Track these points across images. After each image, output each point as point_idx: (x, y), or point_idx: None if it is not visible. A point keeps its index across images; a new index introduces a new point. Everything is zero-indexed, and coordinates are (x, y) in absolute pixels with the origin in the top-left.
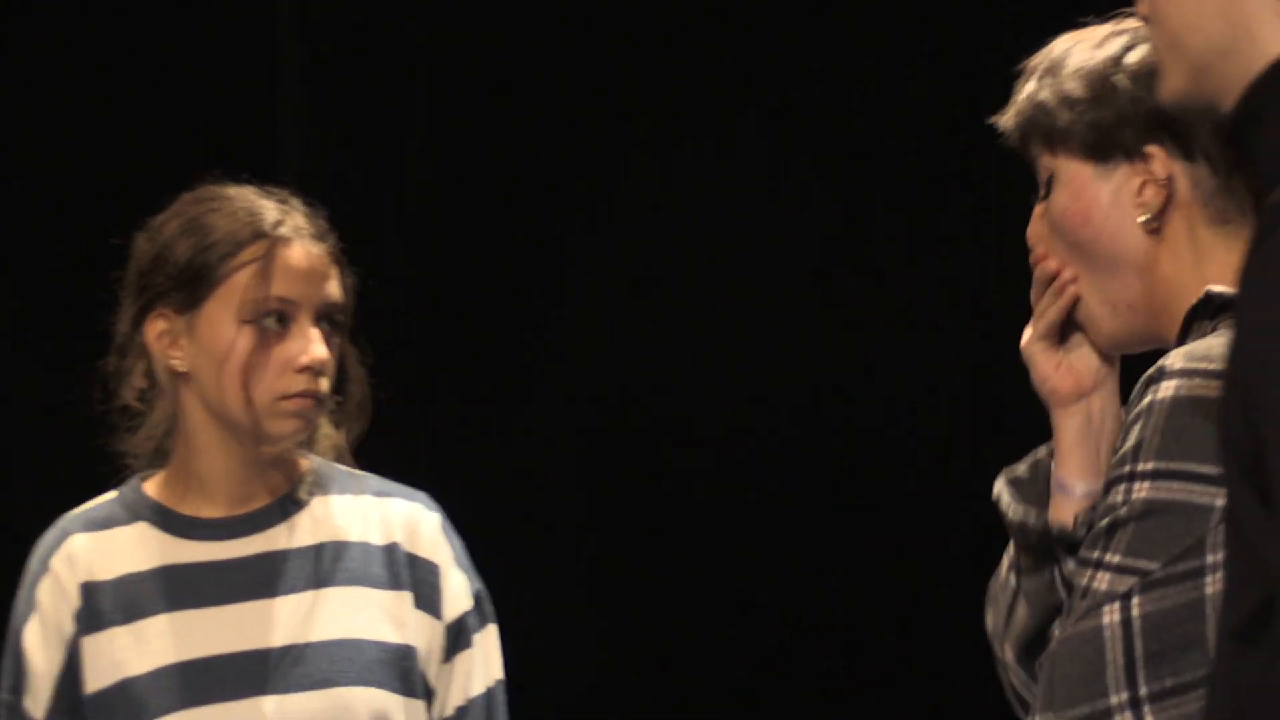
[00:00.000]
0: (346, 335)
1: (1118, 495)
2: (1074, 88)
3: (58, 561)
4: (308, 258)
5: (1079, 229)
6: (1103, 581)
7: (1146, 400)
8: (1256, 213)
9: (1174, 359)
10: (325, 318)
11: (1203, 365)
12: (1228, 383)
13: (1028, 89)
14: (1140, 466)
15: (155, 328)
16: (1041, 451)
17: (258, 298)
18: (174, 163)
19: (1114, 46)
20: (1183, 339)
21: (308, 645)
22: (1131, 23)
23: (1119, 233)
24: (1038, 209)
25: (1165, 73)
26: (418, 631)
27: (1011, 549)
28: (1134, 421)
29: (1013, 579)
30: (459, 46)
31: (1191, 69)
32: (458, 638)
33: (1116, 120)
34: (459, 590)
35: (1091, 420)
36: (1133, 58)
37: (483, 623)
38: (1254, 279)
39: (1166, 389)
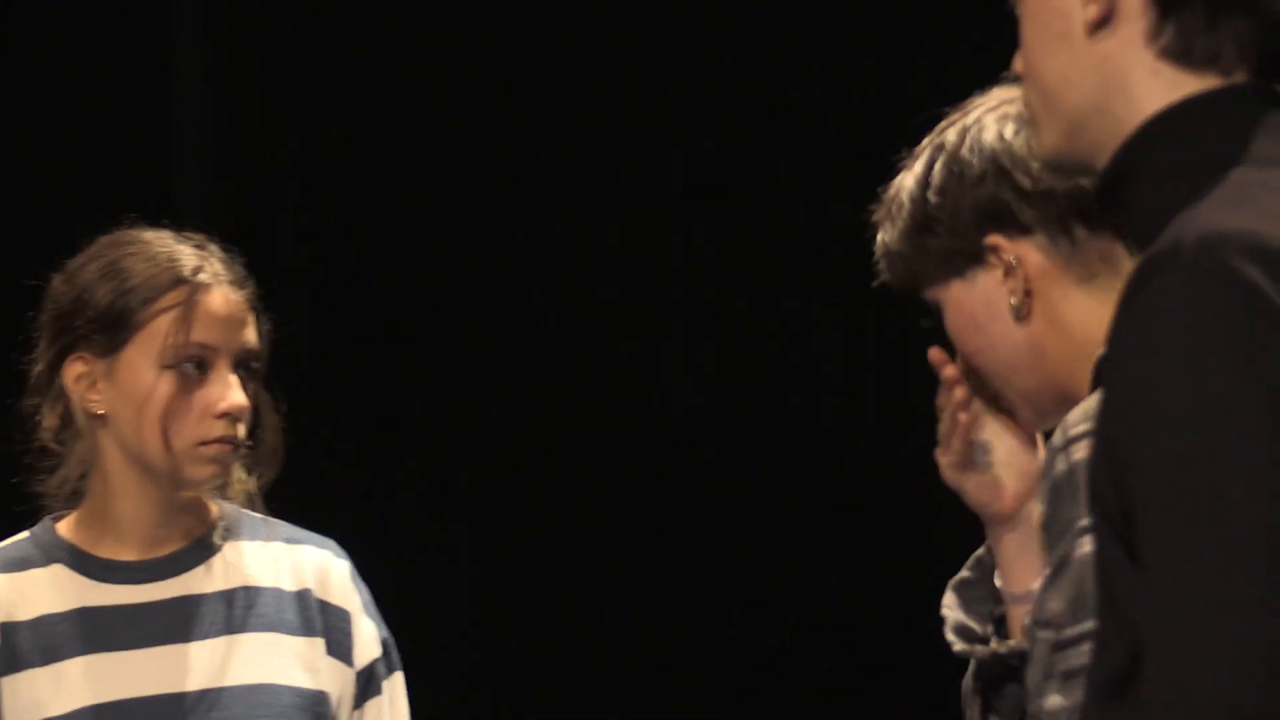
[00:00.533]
0: (261, 381)
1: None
2: (907, 226)
3: None
4: (227, 304)
5: (972, 338)
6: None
7: (1061, 468)
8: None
9: (1075, 422)
10: (243, 364)
11: None
12: (1096, 440)
13: (882, 239)
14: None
15: (74, 370)
16: (982, 551)
17: (177, 344)
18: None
19: (918, 166)
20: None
21: (223, 690)
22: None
23: (1005, 329)
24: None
25: (1040, 130)
26: (330, 678)
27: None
28: (1057, 490)
29: (978, 701)
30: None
31: (1066, 126)
32: (368, 684)
33: (950, 235)
34: (369, 638)
35: (1031, 525)
36: (933, 173)
37: (390, 670)
38: (1120, 339)
39: (1079, 450)
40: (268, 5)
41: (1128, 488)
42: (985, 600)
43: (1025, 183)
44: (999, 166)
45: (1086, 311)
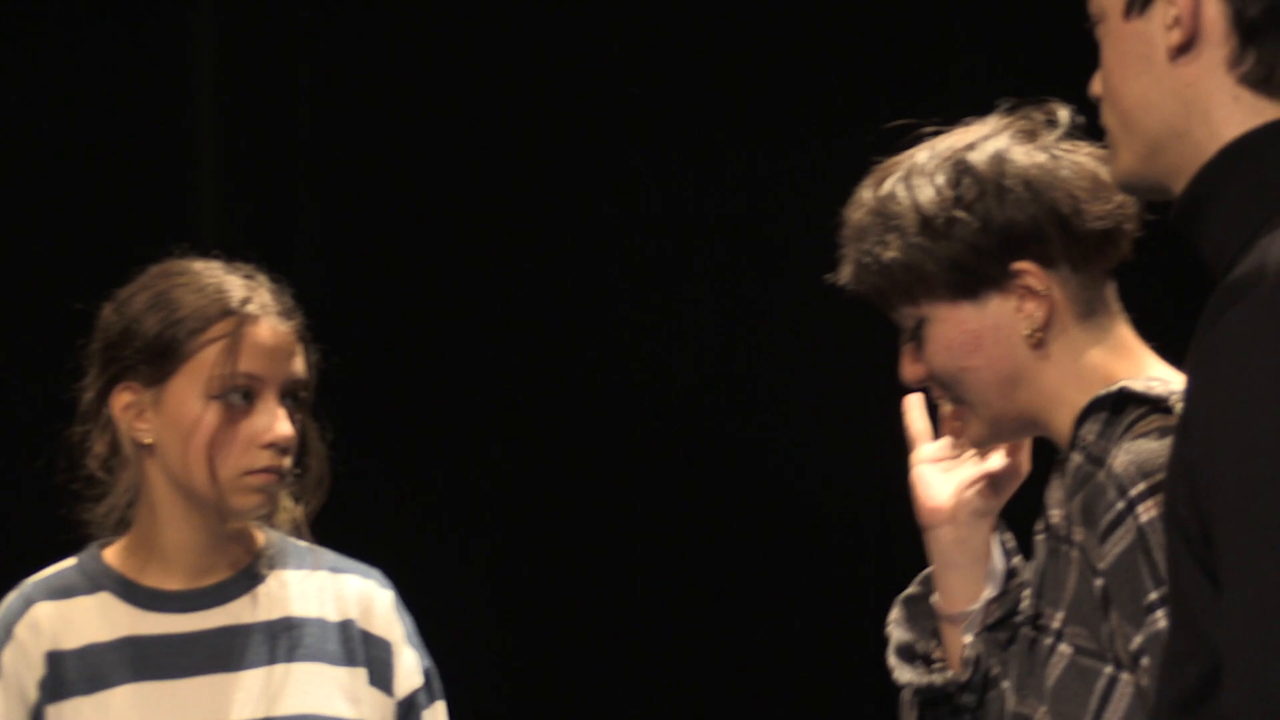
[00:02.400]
0: (308, 410)
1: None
2: (919, 238)
3: (22, 629)
4: (274, 335)
5: (969, 357)
6: None
7: (1129, 529)
8: (1210, 292)
9: (1133, 479)
10: (290, 394)
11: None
12: (1174, 462)
13: (860, 252)
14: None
15: (122, 400)
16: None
17: (225, 374)
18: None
19: (936, 181)
20: (1079, 425)
21: (268, 719)
22: (922, 152)
23: (1008, 353)
24: (908, 351)
25: (1116, 151)
26: (371, 708)
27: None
28: (1130, 551)
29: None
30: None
31: (1144, 149)
32: (409, 714)
33: (973, 254)
34: (411, 668)
35: (970, 540)
36: (961, 189)
37: (432, 699)
38: (1202, 362)
39: (1146, 512)
40: (283, 28)
41: (1210, 510)
42: (931, 616)
43: (1071, 217)
44: (1044, 196)
45: (1081, 345)
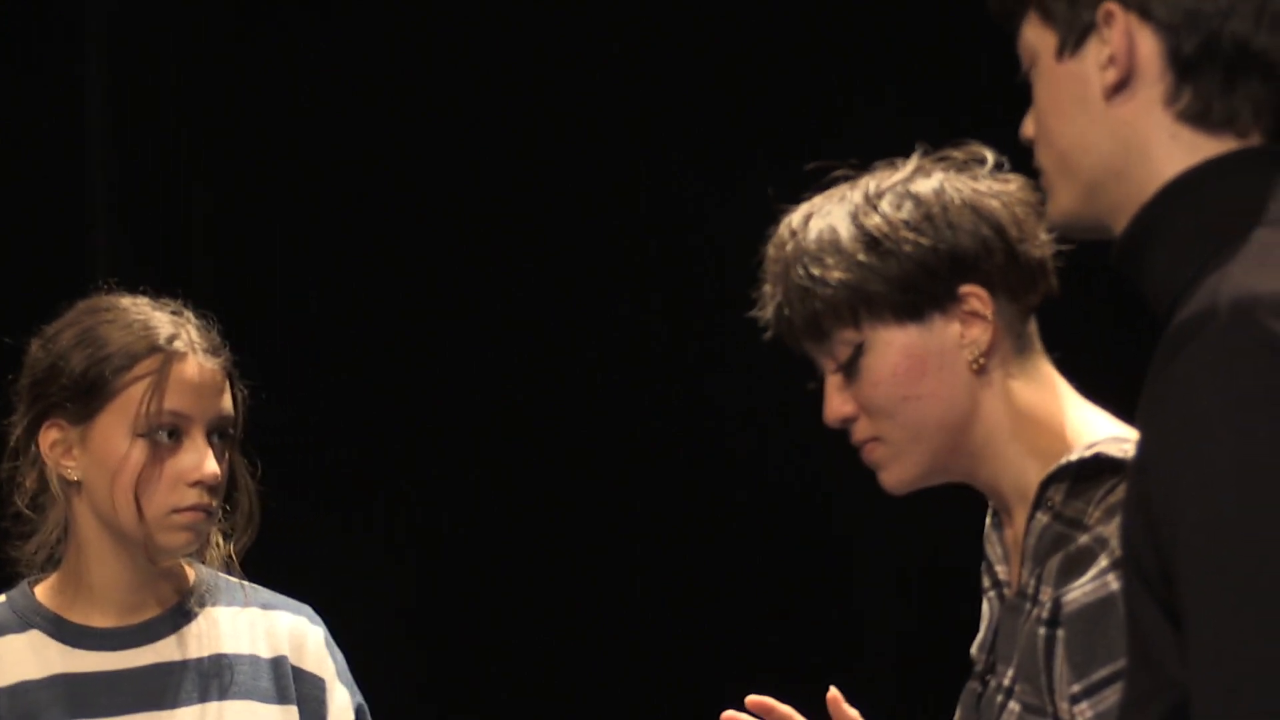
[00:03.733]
0: (237, 447)
1: None
2: (865, 257)
3: None
4: (201, 372)
5: (914, 384)
6: None
7: (1104, 585)
8: (1158, 333)
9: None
10: (217, 431)
11: None
12: (1130, 501)
13: (799, 276)
14: None
15: (49, 437)
16: None
17: (151, 412)
18: None
19: (880, 207)
20: (1045, 487)
21: None
22: (849, 189)
23: (951, 381)
24: (835, 386)
25: (1054, 193)
26: None
27: None
28: (1098, 605)
29: None
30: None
31: (1083, 189)
32: None
33: (922, 272)
34: (343, 705)
35: None
36: (905, 211)
37: None
38: (1156, 403)
39: None
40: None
41: (1169, 549)
42: None
43: (1017, 242)
44: (991, 220)
45: (1019, 378)
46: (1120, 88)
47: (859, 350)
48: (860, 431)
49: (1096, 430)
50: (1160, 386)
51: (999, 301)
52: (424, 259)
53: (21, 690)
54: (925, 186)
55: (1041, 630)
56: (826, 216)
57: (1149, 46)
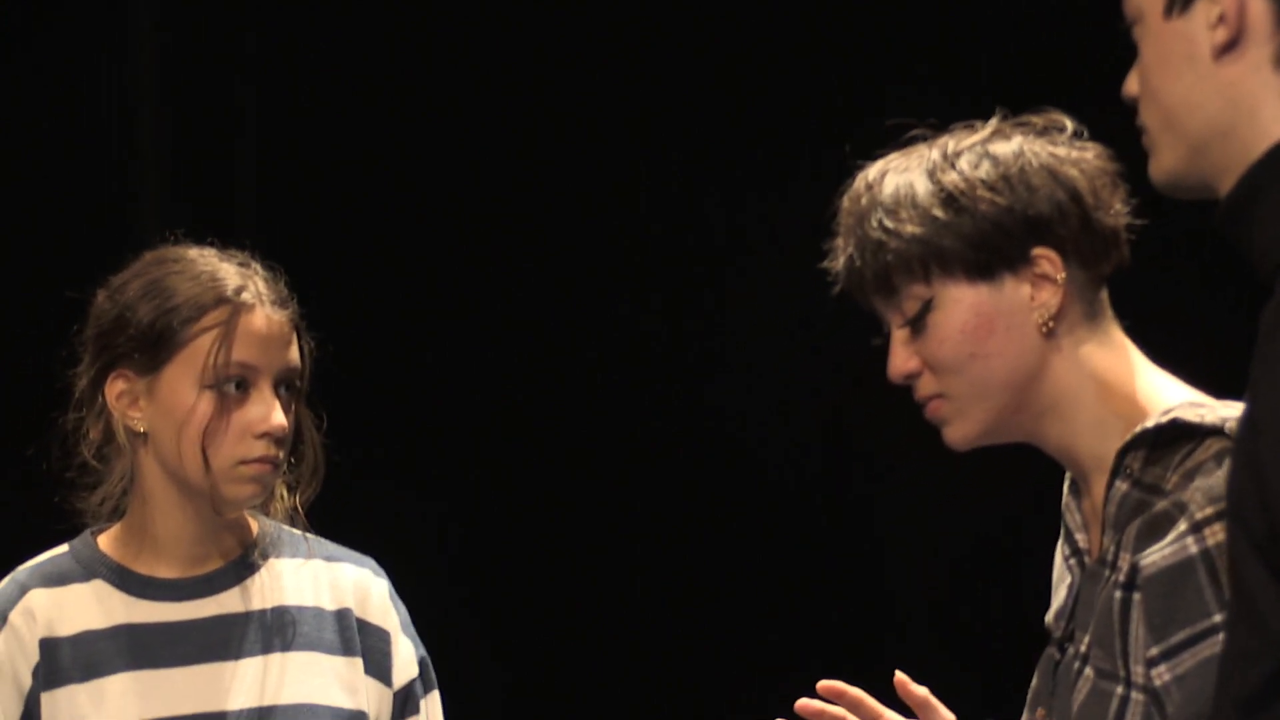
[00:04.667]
0: (303, 399)
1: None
2: (940, 212)
3: (16, 615)
4: (269, 324)
5: (982, 343)
6: None
7: (1193, 551)
8: (1264, 294)
9: (1200, 505)
10: (284, 383)
11: None
12: (1240, 462)
13: (872, 229)
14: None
15: (115, 388)
16: None
17: (219, 363)
18: None
19: (958, 165)
20: (1124, 454)
21: (266, 709)
22: (929, 149)
23: (1019, 342)
24: (901, 341)
25: (1158, 151)
26: (369, 697)
27: None
28: (1185, 572)
29: None
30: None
31: (1189, 149)
32: (405, 704)
33: (997, 232)
34: (407, 657)
35: None
36: (983, 170)
37: (427, 689)
38: (1271, 363)
39: (1212, 535)
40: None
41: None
42: None
43: (1093, 209)
44: (1068, 186)
45: (1089, 345)
46: (1230, 47)
47: (928, 306)
48: (924, 388)
49: (1171, 396)
50: (1274, 345)
51: (1071, 267)
52: (423, 259)
53: (85, 639)
54: (1004, 148)
55: (1118, 594)
56: (903, 172)
57: (1259, 6)
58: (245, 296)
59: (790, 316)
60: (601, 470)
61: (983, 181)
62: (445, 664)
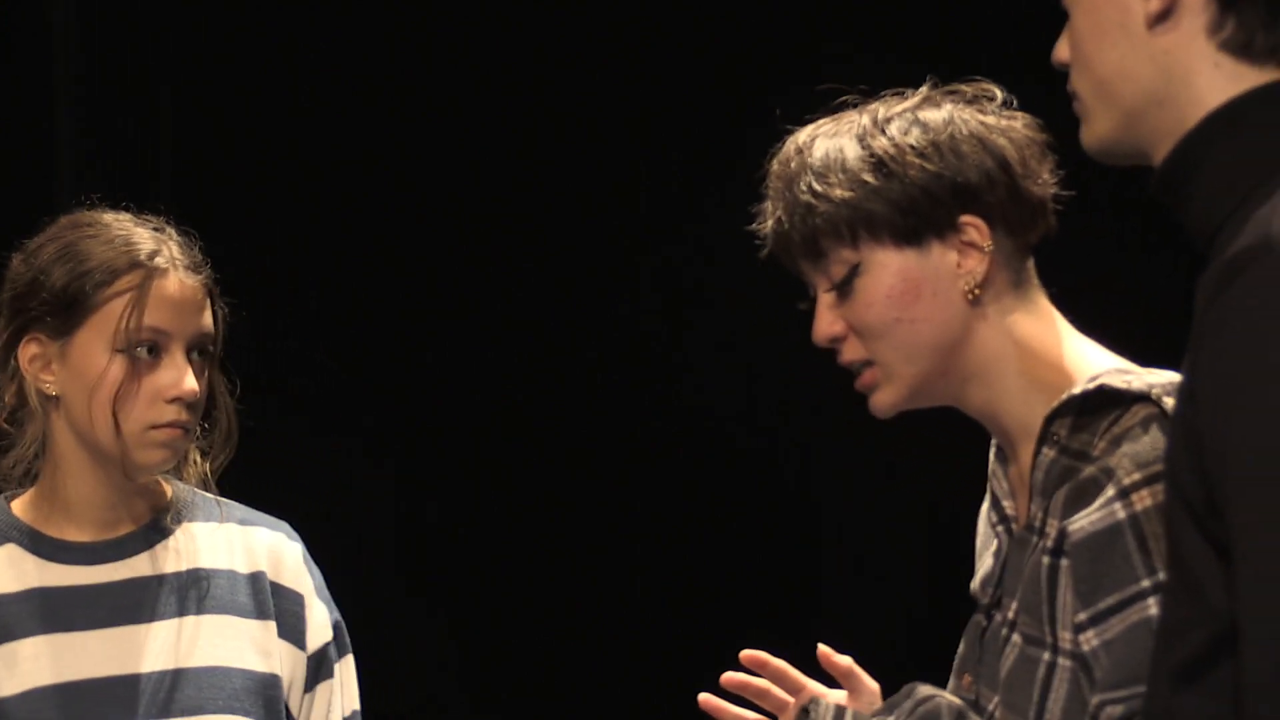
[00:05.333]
0: (216, 364)
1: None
2: (869, 177)
3: None
4: (182, 289)
5: (908, 307)
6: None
7: (1120, 516)
8: (1200, 261)
9: (1129, 470)
10: (197, 348)
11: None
12: (1177, 429)
13: (801, 192)
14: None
15: (28, 351)
16: None
17: (131, 327)
18: None
19: (888, 130)
20: (1050, 421)
21: (179, 672)
22: (858, 114)
23: (945, 308)
24: (827, 305)
25: (1091, 119)
26: (282, 661)
27: None
28: (1111, 537)
29: None
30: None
31: (1122, 116)
32: (319, 668)
33: (925, 198)
34: (321, 621)
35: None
36: (913, 137)
37: (342, 653)
38: (1209, 334)
39: (1140, 500)
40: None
41: (1220, 480)
42: None
43: (1021, 177)
44: (996, 154)
45: (1016, 314)
46: (1164, 16)
47: (854, 270)
48: (849, 352)
49: (1097, 363)
50: (1211, 316)
51: (998, 235)
52: (423, 258)
53: None
54: (934, 116)
55: (1046, 560)
56: (833, 137)
57: None
58: (159, 261)
59: (789, 316)
60: (596, 472)
61: (912, 148)
62: (362, 626)
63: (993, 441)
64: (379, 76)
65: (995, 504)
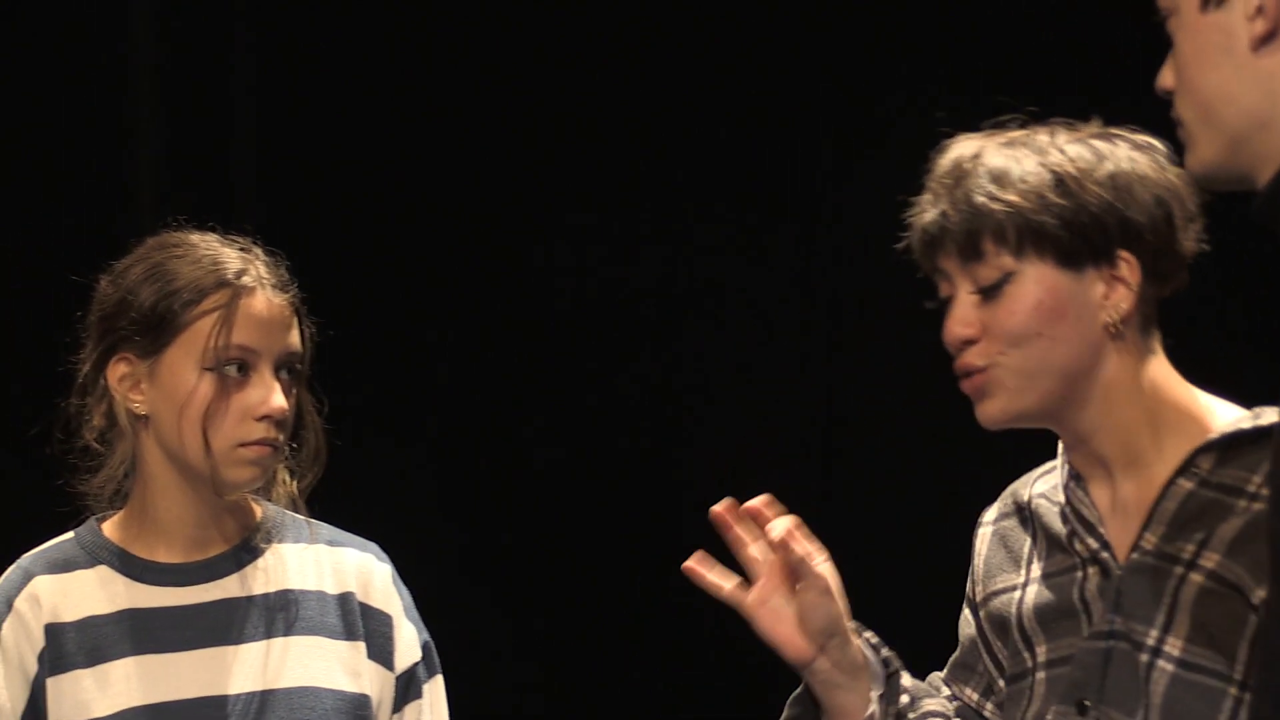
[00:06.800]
0: (304, 383)
1: None
2: (1048, 192)
3: (21, 602)
4: (269, 307)
5: (1050, 325)
6: None
7: None
8: None
9: None
10: (285, 367)
11: None
12: (1275, 497)
13: (978, 188)
14: None
15: (117, 371)
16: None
17: (219, 345)
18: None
19: (1069, 151)
20: (1193, 456)
21: (268, 693)
22: (1017, 136)
23: (1086, 332)
24: (970, 304)
25: (1195, 144)
26: (371, 681)
27: None
28: None
29: None
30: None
31: (1227, 141)
32: (408, 688)
33: (1095, 224)
34: (410, 641)
35: (838, 660)
36: (1093, 164)
37: (431, 673)
38: None
39: None
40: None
41: None
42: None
43: (1179, 232)
44: (1165, 207)
45: (1144, 352)
46: (1268, 39)
47: (1008, 277)
48: (975, 356)
49: (1222, 407)
50: None
51: (1144, 278)
52: (422, 258)
53: (90, 625)
54: (1113, 151)
55: (1233, 595)
56: (1010, 148)
57: None
58: (246, 280)
59: (791, 329)
60: (609, 458)
61: (1093, 175)
62: (451, 647)
63: (1061, 468)
64: (463, 94)
65: (1089, 529)
